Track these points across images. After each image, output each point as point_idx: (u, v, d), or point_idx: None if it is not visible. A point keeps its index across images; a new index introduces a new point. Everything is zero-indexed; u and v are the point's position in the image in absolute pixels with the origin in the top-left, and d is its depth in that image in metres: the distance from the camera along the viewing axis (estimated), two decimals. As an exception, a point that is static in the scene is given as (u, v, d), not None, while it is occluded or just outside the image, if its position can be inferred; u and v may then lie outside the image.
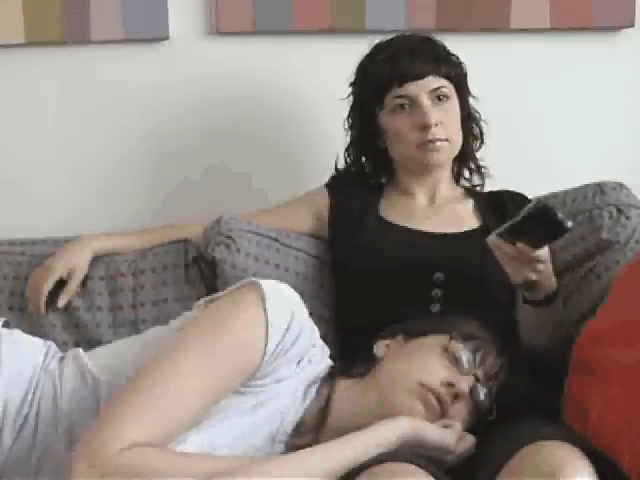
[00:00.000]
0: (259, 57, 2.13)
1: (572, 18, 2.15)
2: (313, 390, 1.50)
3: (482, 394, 1.49)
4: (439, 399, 1.46)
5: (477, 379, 1.50)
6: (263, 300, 1.40)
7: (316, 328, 1.52)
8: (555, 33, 2.17)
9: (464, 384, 1.48)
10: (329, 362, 1.56)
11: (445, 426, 1.46)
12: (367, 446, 1.38)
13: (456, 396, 1.47)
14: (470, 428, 1.49)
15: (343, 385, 1.52)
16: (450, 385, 1.47)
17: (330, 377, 1.53)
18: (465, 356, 1.50)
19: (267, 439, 1.46)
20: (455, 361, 1.49)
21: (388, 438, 1.40)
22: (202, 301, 1.51)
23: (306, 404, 1.49)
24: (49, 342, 1.59)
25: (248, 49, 2.13)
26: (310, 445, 1.41)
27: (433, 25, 2.11)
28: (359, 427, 1.42)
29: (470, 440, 1.47)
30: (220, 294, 1.50)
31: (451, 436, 1.44)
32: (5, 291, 1.85)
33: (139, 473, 1.27)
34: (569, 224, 1.45)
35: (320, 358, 1.54)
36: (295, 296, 1.46)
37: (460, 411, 1.48)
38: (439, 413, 1.46)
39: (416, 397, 1.46)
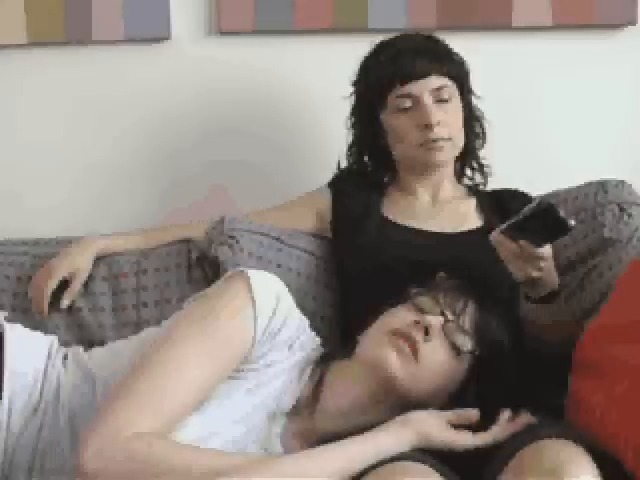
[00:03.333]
0: (261, 57, 2.13)
1: (574, 16, 2.15)
2: (307, 372, 1.53)
3: (456, 332, 1.50)
4: (408, 339, 1.47)
5: (447, 319, 1.51)
6: (249, 285, 1.45)
7: (305, 317, 1.56)
8: (557, 31, 2.17)
9: (432, 319, 1.49)
10: (321, 349, 1.59)
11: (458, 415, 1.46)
12: (376, 455, 1.38)
13: (426, 331, 1.48)
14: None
15: (335, 365, 1.55)
16: (417, 323, 1.49)
17: (323, 360, 1.55)
18: (429, 302, 1.52)
19: (265, 421, 1.49)
20: (422, 309, 1.52)
21: (397, 448, 1.40)
22: (191, 298, 1.54)
23: (301, 386, 1.52)
24: (51, 336, 1.62)
25: (249, 49, 2.13)
26: (307, 428, 1.47)
27: (434, 24, 2.11)
28: (351, 404, 1.48)
29: (474, 414, 1.47)
30: (207, 289, 1.53)
31: (457, 436, 1.44)
32: (8, 292, 1.85)
33: (146, 461, 1.30)
34: (572, 223, 1.45)
35: (311, 346, 1.57)
36: (280, 283, 1.50)
37: (436, 350, 1.49)
38: (412, 355, 1.47)
39: (388, 346, 1.48)
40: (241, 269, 1.50)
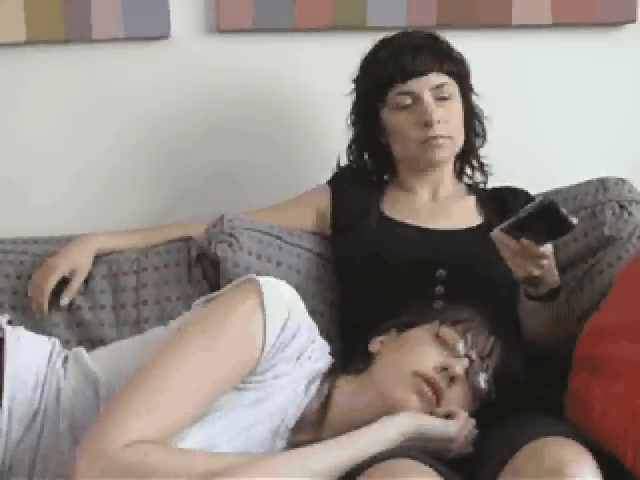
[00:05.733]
0: (260, 55, 2.13)
1: (574, 14, 2.15)
2: (314, 386, 1.51)
3: (479, 375, 1.49)
4: (434, 387, 1.46)
5: (472, 361, 1.50)
6: (260, 296, 1.41)
7: (315, 325, 1.52)
8: (557, 29, 2.17)
9: (458, 366, 1.48)
10: (329, 359, 1.56)
11: (450, 415, 1.46)
12: (368, 445, 1.39)
13: (452, 379, 1.48)
14: (473, 412, 1.50)
15: (343, 381, 1.52)
16: (444, 369, 1.47)
17: (331, 373, 1.53)
18: (456, 339, 1.50)
19: (268, 434, 1.46)
20: (447, 346, 1.50)
21: (389, 436, 1.41)
22: (200, 300, 1.52)
23: (307, 400, 1.50)
24: (53, 339, 1.60)
25: (249, 47, 2.13)
26: (311, 442, 1.41)
27: (434, 22, 2.11)
28: (360, 423, 1.43)
29: (471, 424, 1.48)
30: (217, 293, 1.50)
31: (452, 426, 1.44)
32: (8, 290, 1.85)
33: (141, 470, 1.28)
34: (574, 222, 1.45)
35: (320, 355, 1.54)
36: (292, 292, 1.47)
37: (458, 394, 1.48)
38: (435, 402, 1.47)
39: (411, 389, 1.46)
40: (253, 277, 1.45)
